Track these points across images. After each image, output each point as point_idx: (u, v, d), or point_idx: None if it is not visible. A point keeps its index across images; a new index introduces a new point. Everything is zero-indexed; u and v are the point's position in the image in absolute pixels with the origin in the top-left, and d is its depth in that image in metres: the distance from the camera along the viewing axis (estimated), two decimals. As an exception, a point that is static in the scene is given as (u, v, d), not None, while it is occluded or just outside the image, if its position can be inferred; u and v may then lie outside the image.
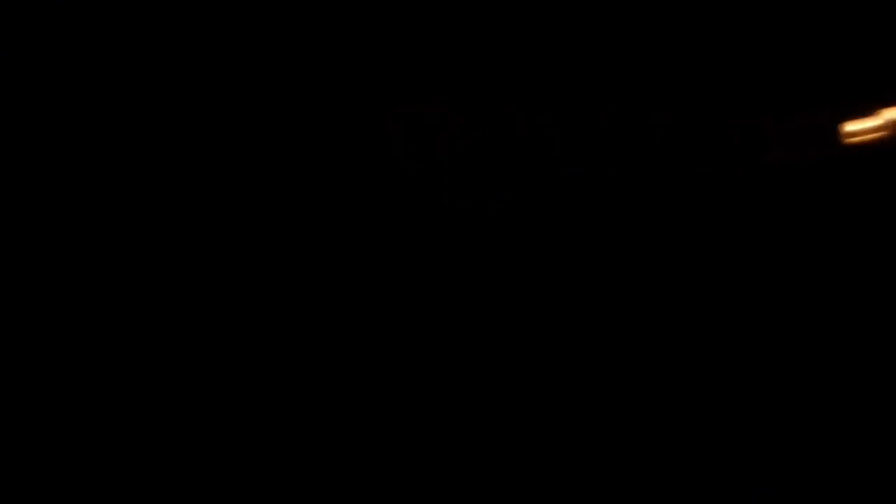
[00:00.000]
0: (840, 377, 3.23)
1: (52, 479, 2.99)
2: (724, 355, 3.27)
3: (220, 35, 3.28)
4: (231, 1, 3.32)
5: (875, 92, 2.93)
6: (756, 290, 3.18)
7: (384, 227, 3.33)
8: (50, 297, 3.32)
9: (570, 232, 3.28)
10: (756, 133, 2.96)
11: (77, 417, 3.18)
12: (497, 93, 3.25)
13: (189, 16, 3.27)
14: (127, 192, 3.36)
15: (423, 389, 3.29)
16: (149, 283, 3.36)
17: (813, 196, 2.91)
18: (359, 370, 3.30)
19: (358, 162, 3.37)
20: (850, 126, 2.72)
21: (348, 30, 3.21)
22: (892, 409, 3.08)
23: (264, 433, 3.23)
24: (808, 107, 2.83)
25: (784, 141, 2.72)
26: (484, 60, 3.23)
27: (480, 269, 3.30)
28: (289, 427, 3.24)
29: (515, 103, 3.23)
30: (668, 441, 3.15)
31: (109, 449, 3.08)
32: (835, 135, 2.61)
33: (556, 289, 3.27)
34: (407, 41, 3.22)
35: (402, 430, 3.18)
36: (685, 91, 3.07)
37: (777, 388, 3.26)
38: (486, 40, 3.19)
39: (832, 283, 3.19)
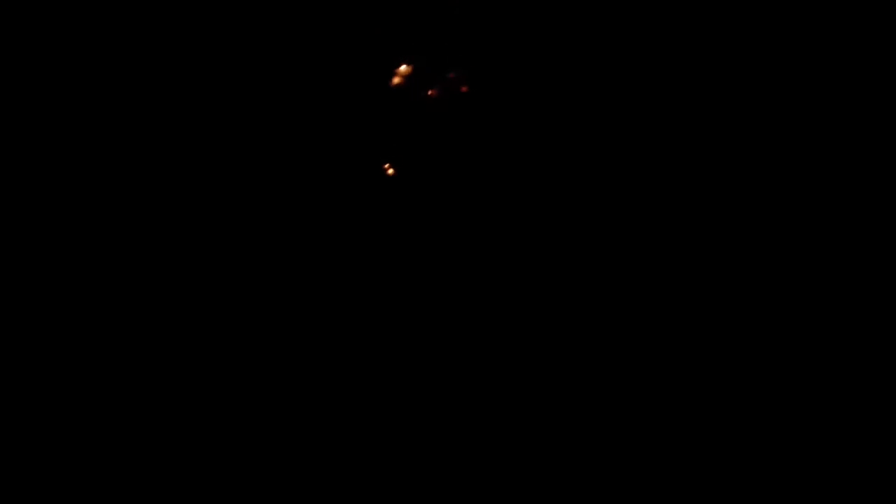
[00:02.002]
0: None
1: (52, 479, 3.03)
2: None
3: (219, 29, 3.41)
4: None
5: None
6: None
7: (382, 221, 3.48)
8: (49, 296, 3.36)
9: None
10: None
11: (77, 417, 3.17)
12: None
13: (188, 14, 3.39)
14: (126, 187, 3.41)
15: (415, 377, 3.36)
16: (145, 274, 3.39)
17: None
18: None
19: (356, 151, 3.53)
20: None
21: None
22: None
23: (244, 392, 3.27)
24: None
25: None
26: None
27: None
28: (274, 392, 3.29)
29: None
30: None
31: (109, 449, 3.12)
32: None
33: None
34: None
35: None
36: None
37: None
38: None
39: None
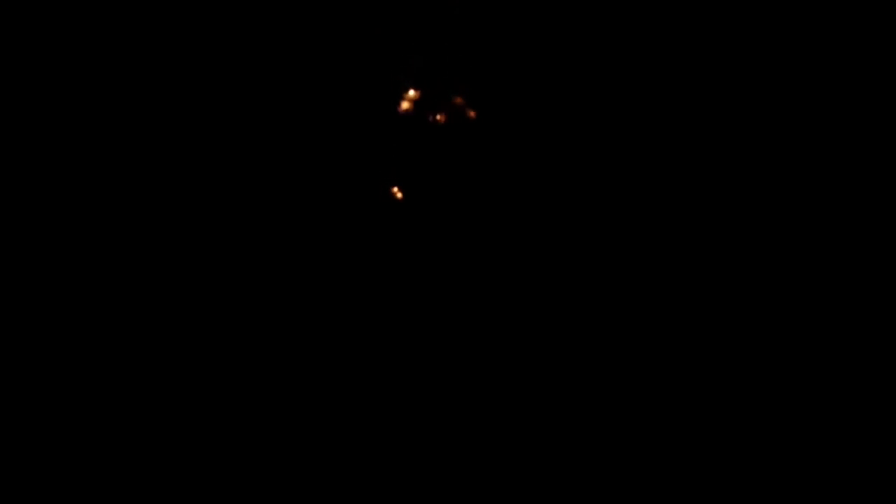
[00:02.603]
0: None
1: (52, 479, 3.02)
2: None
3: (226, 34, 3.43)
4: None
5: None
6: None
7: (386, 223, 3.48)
8: (49, 297, 3.33)
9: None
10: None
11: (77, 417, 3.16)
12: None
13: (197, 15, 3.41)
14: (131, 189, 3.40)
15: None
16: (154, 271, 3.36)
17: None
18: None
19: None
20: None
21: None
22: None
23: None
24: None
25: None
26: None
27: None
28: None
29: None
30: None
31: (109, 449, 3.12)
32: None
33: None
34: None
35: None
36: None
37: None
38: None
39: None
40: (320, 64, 3.65)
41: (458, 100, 3.68)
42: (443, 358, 3.47)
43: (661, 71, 3.61)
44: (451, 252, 3.60)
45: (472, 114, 3.67)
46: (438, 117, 3.68)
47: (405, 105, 3.68)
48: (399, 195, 3.64)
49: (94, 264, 3.36)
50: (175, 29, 3.55)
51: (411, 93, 3.68)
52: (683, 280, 3.49)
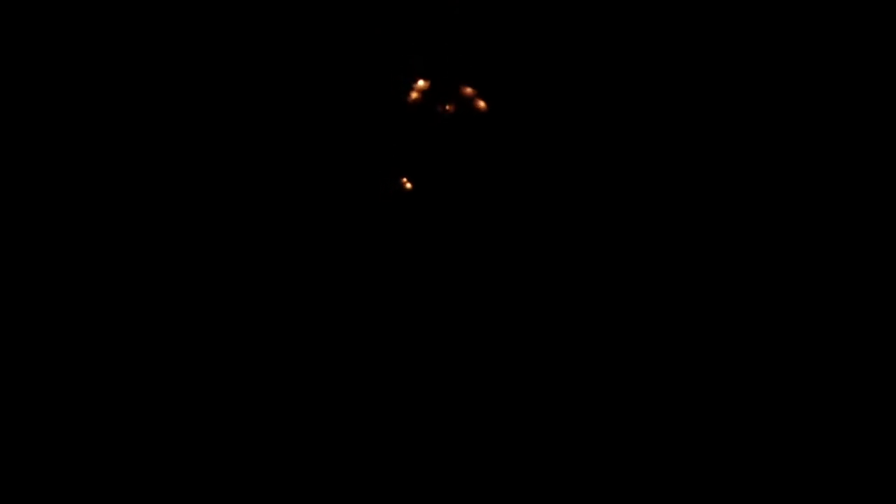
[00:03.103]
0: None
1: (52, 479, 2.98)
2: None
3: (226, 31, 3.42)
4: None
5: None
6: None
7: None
8: (50, 297, 3.32)
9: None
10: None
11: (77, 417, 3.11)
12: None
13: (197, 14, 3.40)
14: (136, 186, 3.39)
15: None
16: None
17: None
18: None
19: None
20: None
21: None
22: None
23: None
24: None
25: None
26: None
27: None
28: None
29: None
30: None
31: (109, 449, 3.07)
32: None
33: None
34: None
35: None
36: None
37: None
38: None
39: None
40: (328, 55, 3.62)
41: (468, 90, 3.64)
42: (445, 355, 3.44)
43: (663, 52, 3.56)
44: (459, 243, 3.56)
45: (482, 104, 3.63)
46: (448, 108, 3.64)
47: (414, 95, 3.64)
48: (408, 185, 3.60)
49: (95, 264, 3.35)
50: (176, 27, 3.53)
51: (420, 83, 3.64)
52: (684, 278, 3.45)
